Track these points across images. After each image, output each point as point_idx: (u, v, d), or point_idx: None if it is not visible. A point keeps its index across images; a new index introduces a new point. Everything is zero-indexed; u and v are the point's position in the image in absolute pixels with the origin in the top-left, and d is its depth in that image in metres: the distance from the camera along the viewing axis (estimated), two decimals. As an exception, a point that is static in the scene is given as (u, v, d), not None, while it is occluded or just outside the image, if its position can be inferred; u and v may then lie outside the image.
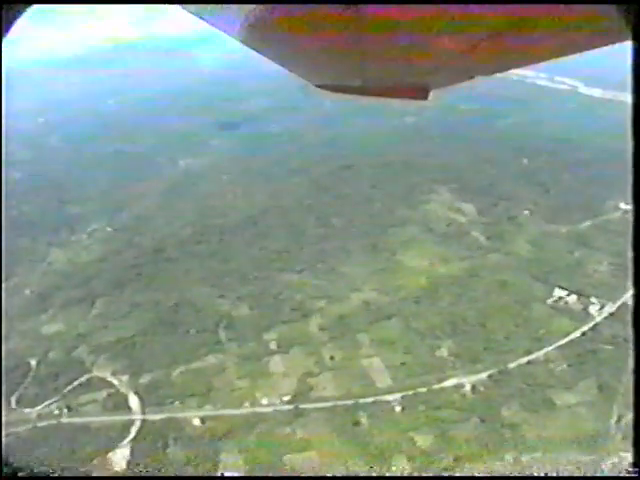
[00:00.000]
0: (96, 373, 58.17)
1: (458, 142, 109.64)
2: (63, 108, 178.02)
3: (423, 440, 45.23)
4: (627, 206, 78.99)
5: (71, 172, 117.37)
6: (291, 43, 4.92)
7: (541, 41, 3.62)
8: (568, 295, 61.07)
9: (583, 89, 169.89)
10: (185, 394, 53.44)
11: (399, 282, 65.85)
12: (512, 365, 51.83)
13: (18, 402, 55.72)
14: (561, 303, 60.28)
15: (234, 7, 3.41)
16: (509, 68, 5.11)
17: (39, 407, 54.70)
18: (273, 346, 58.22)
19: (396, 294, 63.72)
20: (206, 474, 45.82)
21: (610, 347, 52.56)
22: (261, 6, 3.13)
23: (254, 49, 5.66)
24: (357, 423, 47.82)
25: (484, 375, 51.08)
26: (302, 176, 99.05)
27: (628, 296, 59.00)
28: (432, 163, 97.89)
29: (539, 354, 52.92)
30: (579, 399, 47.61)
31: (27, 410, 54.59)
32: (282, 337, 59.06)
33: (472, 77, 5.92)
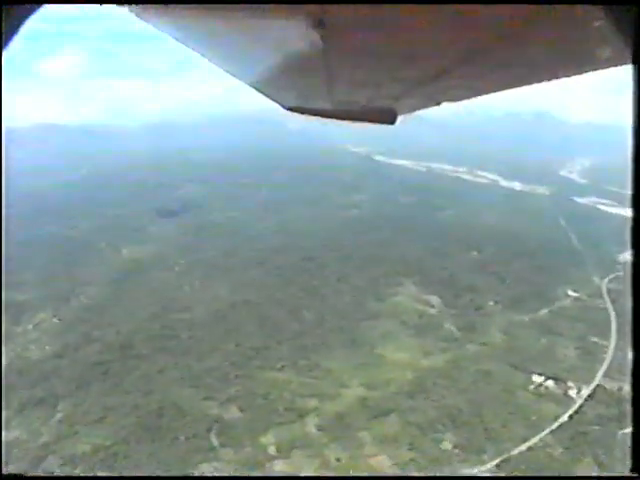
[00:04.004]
0: (73, 490, 55.40)
1: (406, 234, 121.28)
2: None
3: (453, 536, 48.48)
4: (575, 293, 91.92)
5: (6, 255, 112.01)
6: (260, 65, 5.28)
7: (508, 68, 3.77)
8: (545, 381, 69.29)
9: (503, 182, 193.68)
10: (185, 511, 52.69)
11: (386, 376, 70.58)
12: (515, 452, 57.38)
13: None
14: (542, 389, 68.15)
15: (209, 30, 3.55)
16: (477, 95, 5.37)
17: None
18: (272, 450, 59.12)
19: (387, 389, 68.19)
20: None
21: (597, 427, 60.21)
22: (232, 26, 3.27)
23: (225, 70, 6.19)
24: (382, 526, 50.05)
25: (492, 465, 55.96)
26: (261, 268, 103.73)
27: (599, 377, 68.86)
28: (390, 256, 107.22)
29: (536, 440, 59.13)
30: (584, 480, 53.60)
31: None
32: (280, 440, 60.30)
33: (439, 103, 6.28)
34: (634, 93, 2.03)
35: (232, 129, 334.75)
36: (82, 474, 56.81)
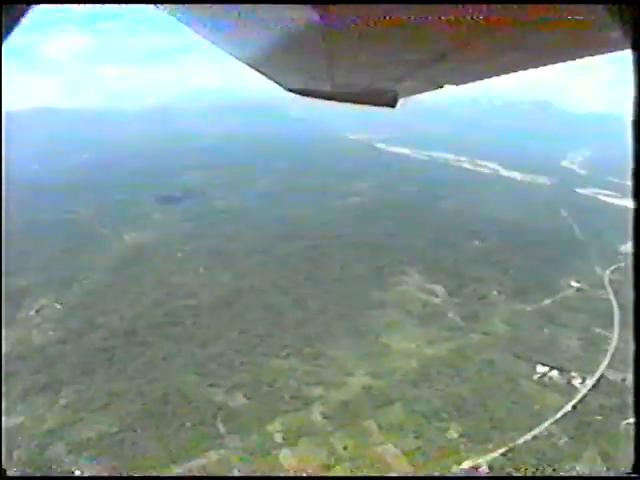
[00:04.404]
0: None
1: (409, 223, 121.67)
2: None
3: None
4: (577, 284, 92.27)
5: (8, 240, 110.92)
6: (262, 46, 5.21)
7: (509, 52, 3.79)
8: (550, 371, 69.69)
9: (504, 172, 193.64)
10: (192, 498, 52.96)
11: (391, 365, 70.89)
12: (520, 442, 57.80)
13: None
14: (545, 379, 68.57)
15: (211, 11, 3.56)
16: (478, 78, 5.36)
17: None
18: (279, 438, 59.32)
19: (391, 378, 68.49)
20: None
21: (600, 417, 60.72)
22: (234, 7, 3.25)
23: (227, 51, 6.19)
24: (390, 513, 50.49)
25: (497, 454, 56.39)
26: (265, 256, 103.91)
27: (603, 367, 69.48)
28: (393, 244, 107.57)
29: (541, 429, 59.64)
30: (589, 469, 54.45)
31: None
32: (286, 428, 60.53)
33: (441, 86, 6.24)
34: (635, 77, 1.99)
35: (232, 116, 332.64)
36: (88, 461, 56.96)
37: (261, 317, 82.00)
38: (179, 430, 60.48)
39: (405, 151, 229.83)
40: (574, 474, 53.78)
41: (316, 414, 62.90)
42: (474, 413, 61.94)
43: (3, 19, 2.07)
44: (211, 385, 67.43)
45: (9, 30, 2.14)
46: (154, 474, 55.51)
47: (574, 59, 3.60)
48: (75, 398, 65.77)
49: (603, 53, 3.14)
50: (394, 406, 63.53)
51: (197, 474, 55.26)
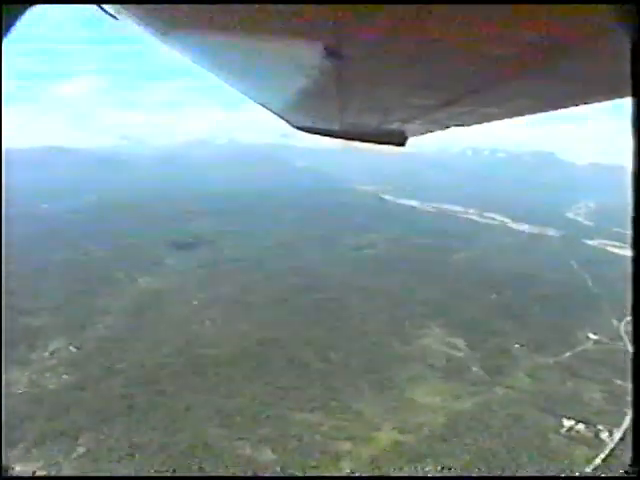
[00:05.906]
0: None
1: (424, 276, 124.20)
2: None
3: None
4: (595, 336, 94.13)
5: (21, 279, 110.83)
6: (273, 87, 5.43)
7: (519, 98, 3.98)
8: (576, 424, 70.65)
9: (512, 224, 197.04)
10: None
11: (418, 420, 71.61)
12: (553, 497, 58.22)
13: None
14: (573, 432, 69.41)
15: (225, 50, 3.72)
16: (487, 120, 5.54)
17: None
18: (311, 496, 59.70)
19: (419, 432, 69.12)
20: None
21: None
22: (248, 50, 3.38)
23: (238, 89, 6.31)
24: None
25: (532, 510, 56.75)
26: (284, 306, 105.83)
27: (628, 420, 70.07)
28: (412, 297, 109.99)
29: (573, 484, 60.04)
30: (625, 526, 54.48)
31: None
32: (318, 485, 60.84)
33: (448, 127, 6.48)
34: (632, 124, 2.03)
35: (239, 164, 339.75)
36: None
37: (284, 369, 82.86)
38: (208, 487, 60.45)
39: (413, 203, 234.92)
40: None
41: (346, 470, 63.12)
42: (505, 469, 62.48)
43: (3, 19, 2.12)
44: (238, 439, 67.33)
45: (9, 30, 2.18)
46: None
47: (579, 104, 3.82)
48: (94, 447, 64.06)
49: (608, 100, 3.36)
50: (425, 462, 63.96)
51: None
